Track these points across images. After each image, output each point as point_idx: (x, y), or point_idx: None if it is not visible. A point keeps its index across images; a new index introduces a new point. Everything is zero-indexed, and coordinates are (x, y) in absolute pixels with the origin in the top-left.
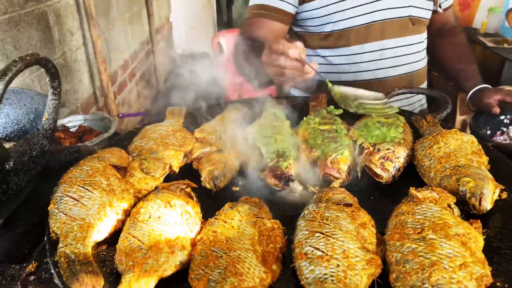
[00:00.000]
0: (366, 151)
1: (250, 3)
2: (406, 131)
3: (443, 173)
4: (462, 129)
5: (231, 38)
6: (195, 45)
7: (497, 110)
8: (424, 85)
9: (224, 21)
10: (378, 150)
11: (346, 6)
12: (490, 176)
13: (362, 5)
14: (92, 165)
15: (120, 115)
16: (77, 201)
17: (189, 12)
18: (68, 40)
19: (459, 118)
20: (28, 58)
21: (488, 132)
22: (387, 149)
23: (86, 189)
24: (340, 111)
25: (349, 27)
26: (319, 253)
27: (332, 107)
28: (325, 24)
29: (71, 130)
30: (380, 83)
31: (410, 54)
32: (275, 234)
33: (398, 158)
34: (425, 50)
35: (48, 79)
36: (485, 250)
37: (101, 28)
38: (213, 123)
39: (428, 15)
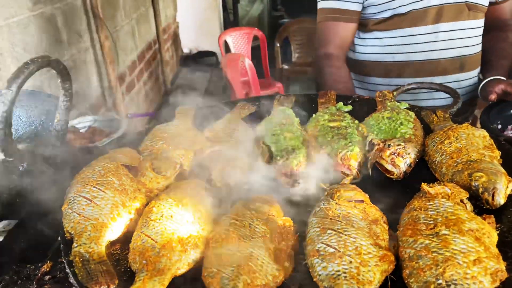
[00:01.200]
0: (376, 147)
1: (318, 6)
2: (416, 126)
3: (455, 168)
4: (475, 123)
5: (237, 36)
6: (202, 44)
7: (492, 96)
8: (477, 70)
9: (230, 20)
10: (389, 146)
11: None
12: (503, 170)
13: None
14: (104, 165)
15: (129, 115)
16: (90, 201)
17: (196, 11)
18: (76, 41)
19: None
20: (39, 60)
21: (499, 126)
22: (398, 145)
23: (99, 189)
24: (350, 108)
25: (407, 12)
26: (332, 250)
27: (341, 103)
28: (384, 10)
29: (81, 131)
30: (432, 64)
31: (464, 38)
32: (287, 231)
33: (409, 154)
34: (481, 36)
35: (59, 80)
36: (499, 245)
37: (108, 29)
38: (222, 122)
39: (485, 1)
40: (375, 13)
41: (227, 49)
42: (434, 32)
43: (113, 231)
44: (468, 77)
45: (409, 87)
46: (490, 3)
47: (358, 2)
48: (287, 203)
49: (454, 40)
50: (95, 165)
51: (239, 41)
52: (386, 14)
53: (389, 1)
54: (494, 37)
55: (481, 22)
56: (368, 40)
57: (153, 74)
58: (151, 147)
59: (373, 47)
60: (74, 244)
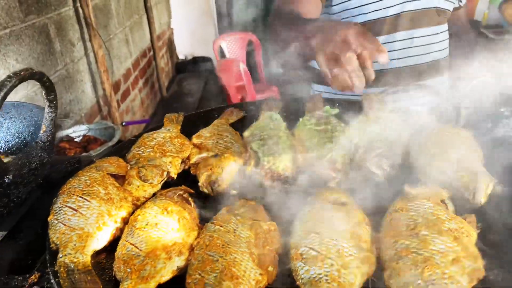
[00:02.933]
0: (361, 149)
1: None
2: (401, 128)
3: (438, 169)
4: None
5: (232, 41)
6: (197, 50)
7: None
8: (447, 74)
9: (225, 25)
10: (373, 148)
11: None
12: (484, 169)
13: None
14: (90, 175)
15: (123, 123)
16: (76, 211)
17: (190, 17)
18: (70, 51)
19: (464, 112)
20: (22, 73)
21: (489, 125)
22: (382, 147)
23: (85, 199)
24: (336, 111)
25: (380, 18)
26: (314, 253)
27: (328, 107)
28: (356, 15)
29: (75, 140)
30: (408, 70)
31: (437, 42)
32: (272, 236)
33: (392, 155)
34: (448, 40)
35: (43, 92)
36: (479, 244)
37: (101, 37)
38: (210, 128)
39: (451, 7)
40: (347, 18)
41: (222, 54)
42: (410, 38)
43: (99, 241)
44: (442, 82)
45: (396, 89)
46: (454, 8)
47: None
48: (273, 208)
49: (429, 45)
50: (81, 175)
51: (233, 46)
52: (358, 20)
53: (363, 5)
54: (464, 40)
55: (446, 26)
56: None
57: (148, 81)
58: (138, 156)
59: None
60: (60, 255)
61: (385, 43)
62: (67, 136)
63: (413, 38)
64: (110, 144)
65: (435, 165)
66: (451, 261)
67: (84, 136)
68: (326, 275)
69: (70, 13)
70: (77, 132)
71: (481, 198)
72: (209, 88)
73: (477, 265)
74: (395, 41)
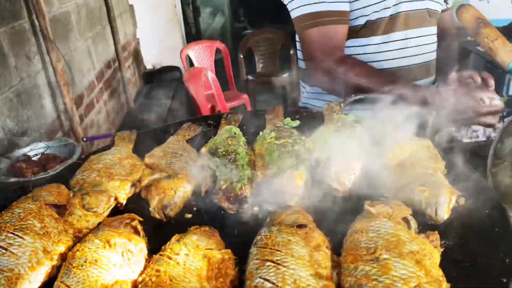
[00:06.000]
0: (321, 164)
1: (297, 14)
2: (362, 140)
3: (398, 183)
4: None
5: (199, 50)
6: (165, 59)
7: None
8: (434, 75)
9: (192, 34)
10: (333, 162)
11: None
12: (446, 182)
13: None
14: (25, 206)
15: (84, 139)
16: (6, 250)
17: (156, 26)
18: (26, 65)
19: (431, 120)
20: None
21: (453, 129)
22: (342, 161)
23: (16, 235)
24: (297, 123)
25: (379, 18)
26: (270, 285)
27: (288, 119)
28: (358, 17)
29: (33, 158)
30: (402, 71)
31: (429, 44)
32: (226, 266)
33: (353, 169)
34: (437, 42)
35: None
36: (444, 264)
37: (60, 50)
38: (164, 146)
39: (439, 8)
40: (350, 19)
41: (190, 63)
42: (404, 39)
43: (31, 283)
44: (431, 82)
45: (356, 98)
46: (442, 10)
47: (344, 1)
48: (230, 232)
49: (422, 46)
50: (15, 207)
51: (201, 54)
52: (360, 21)
53: (363, 7)
54: (446, 45)
55: (436, 28)
56: None
57: (114, 93)
58: (82, 181)
59: None
60: None
61: (382, 43)
62: (24, 155)
63: (407, 38)
64: (70, 161)
65: (395, 178)
66: None
67: (43, 154)
68: None
69: (26, 26)
70: (35, 150)
71: (444, 214)
72: (178, 98)
73: None
74: (391, 41)
